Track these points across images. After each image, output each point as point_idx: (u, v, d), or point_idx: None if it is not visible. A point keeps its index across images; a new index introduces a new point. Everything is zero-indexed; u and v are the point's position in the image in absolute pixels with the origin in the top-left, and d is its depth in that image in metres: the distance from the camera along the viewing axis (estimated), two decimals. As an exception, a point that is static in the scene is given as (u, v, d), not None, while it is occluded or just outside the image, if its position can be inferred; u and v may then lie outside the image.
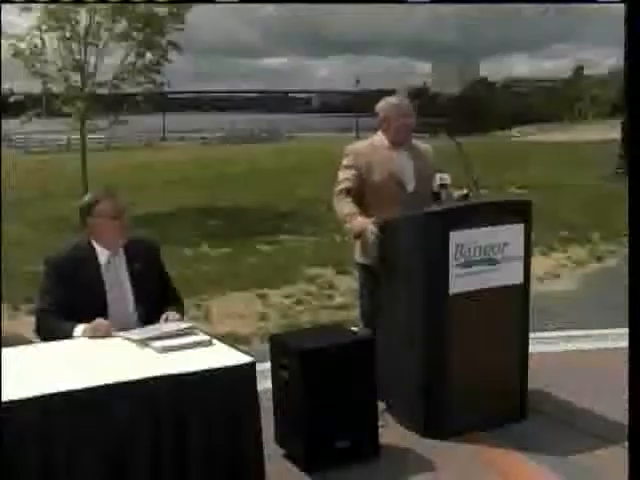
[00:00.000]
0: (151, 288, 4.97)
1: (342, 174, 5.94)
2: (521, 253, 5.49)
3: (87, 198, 5.05)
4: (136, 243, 5.06)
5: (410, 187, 5.87)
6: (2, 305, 8.26)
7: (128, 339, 4.45)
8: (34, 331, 5.01)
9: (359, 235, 5.74)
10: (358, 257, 6.06)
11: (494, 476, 4.92)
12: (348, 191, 5.86)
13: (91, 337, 4.59)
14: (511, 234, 5.44)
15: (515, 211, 5.52)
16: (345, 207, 5.81)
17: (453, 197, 5.66)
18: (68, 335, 4.64)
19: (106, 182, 21.41)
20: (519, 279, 5.52)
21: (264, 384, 4.94)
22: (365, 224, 5.61)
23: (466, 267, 5.28)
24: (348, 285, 10.19)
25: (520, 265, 5.50)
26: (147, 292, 4.94)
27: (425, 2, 18.83)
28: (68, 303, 4.77)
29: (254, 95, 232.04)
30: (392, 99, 6.04)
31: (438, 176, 5.70)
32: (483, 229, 5.32)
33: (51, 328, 4.76)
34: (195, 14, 18.74)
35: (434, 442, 5.34)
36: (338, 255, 12.31)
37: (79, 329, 4.66)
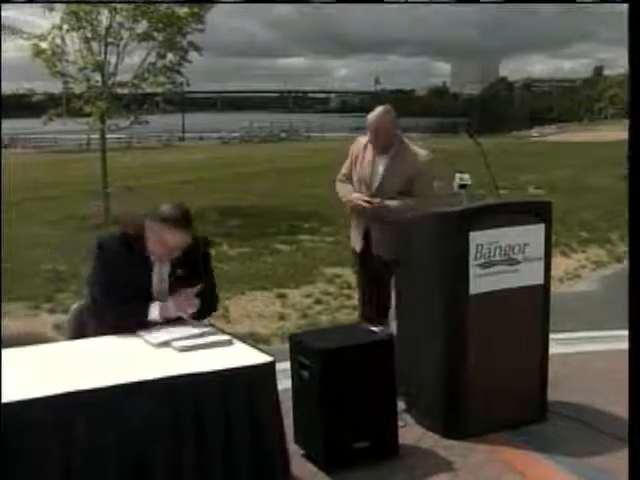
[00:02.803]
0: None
1: (345, 162, 6.73)
2: (541, 253, 5.48)
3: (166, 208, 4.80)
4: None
5: (373, 188, 6.35)
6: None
7: (148, 339, 4.46)
8: (91, 316, 4.87)
9: (354, 206, 6.44)
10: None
11: (513, 477, 4.91)
12: (345, 177, 6.68)
13: (166, 318, 4.66)
14: (531, 234, 5.43)
15: (535, 212, 5.51)
16: (342, 189, 6.66)
17: (473, 197, 5.68)
18: (144, 317, 4.65)
19: (126, 181, 21.53)
20: (540, 279, 5.51)
21: (283, 384, 4.95)
22: (358, 196, 6.37)
23: (486, 267, 5.27)
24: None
25: (541, 265, 5.49)
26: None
27: (424, 2, 18.69)
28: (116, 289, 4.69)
29: (273, 95, 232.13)
30: (376, 110, 6.43)
31: (458, 176, 5.71)
32: (503, 229, 5.31)
33: (125, 312, 4.68)
34: (214, 14, 18.76)
35: (453, 442, 5.34)
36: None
37: (154, 309, 4.68)
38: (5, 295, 10.11)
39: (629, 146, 4.03)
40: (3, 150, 62.45)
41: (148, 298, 4.76)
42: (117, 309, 4.68)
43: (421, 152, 6.38)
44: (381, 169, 6.37)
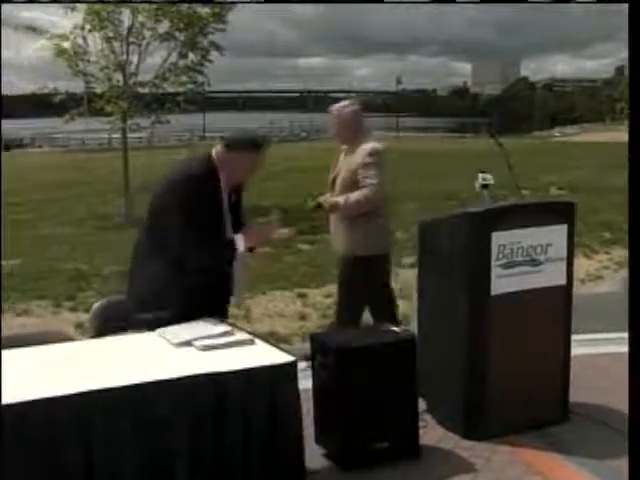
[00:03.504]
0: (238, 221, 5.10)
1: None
2: (564, 254, 5.46)
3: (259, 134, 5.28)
4: None
5: (334, 188, 6.47)
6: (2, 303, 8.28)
7: (168, 338, 4.47)
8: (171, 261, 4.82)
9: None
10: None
11: (534, 478, 4.89)
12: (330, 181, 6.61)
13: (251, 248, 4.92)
14: (554, 235, 5.41)
15: (558, 212, 5.48)
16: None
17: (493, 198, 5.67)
18: (232, 249, 4.82)
19: (147, 180, 21.57)
20: (562, 280, 5.49)
21: (304, 383, 4.95)
22: (322, 198, 6.45)
23: (508, 268, 5.25)
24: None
25: (563, 266, 5.47)
26: (235, 225, 5.05)
27: (426, 2, 18.66)
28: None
29: (293, 95, 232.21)
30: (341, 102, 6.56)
31: (480, 176, 5.69)
32: (526, 230, 5.28)
33: (220, 245, 4.86)
34: (234, 14, 18.81)
35: (474, 443, 5.31)
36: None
37: (240, 240, 4.83)
38: (27, 293, 10.19)
39: (629, 149, 4.01)
40: (22, 149, 62.99)
41: (223, 225, 4.94)
42: (212, 243, 4.80)
43: (369, 144, 6.40)
44: (340, 168, 6.50)
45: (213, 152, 4.94)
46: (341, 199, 6.25)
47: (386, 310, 6.46)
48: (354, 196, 6.19)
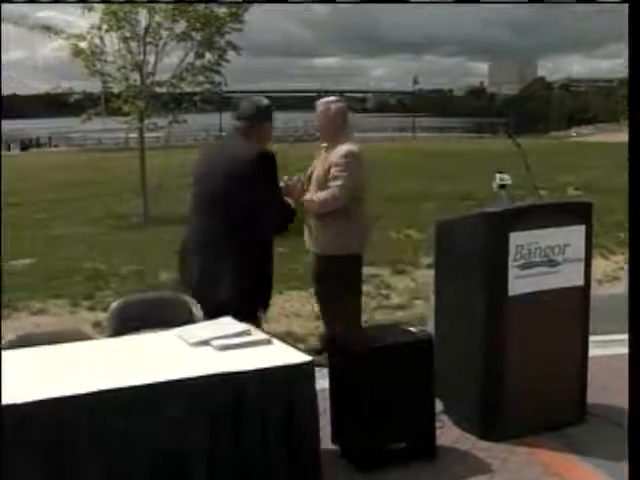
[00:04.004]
0: None
1: None
2: (582, 255, 5.44)
3: (265, 102, 5.55)
4: None
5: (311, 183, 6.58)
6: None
7: (185, 338, 4.47)
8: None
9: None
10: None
11: (550, 479, 4.88)
12: None
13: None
14: (572, 236, 5.39)
15: (576, 212, 5.47)
16: None
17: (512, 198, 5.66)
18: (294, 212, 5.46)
19: (164, 180, 21.63)
20: (580, 281, 5.47)
21: (320, 383, 4.95)
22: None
23: (526, 268, 5.24)
24: (405, 285, 10.20)
25: (581, 267, 5.45)
26: None
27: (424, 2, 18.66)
28: None
29: (309, 95, 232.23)
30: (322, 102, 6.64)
31: (498, 176, 5.69)
32: (543, 230, 5.27)
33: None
34: (250, 14, 18.82)
35: (491, 444, 5.31)
36: (395, 255, 12.30)
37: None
38: (42, 292, 10.22)
39: (629, 149, 3.99)
40: (37, 148, 63.25)
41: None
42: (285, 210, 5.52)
43: (346, 146, 6.47)
44: (316, 165, 6.65)
45: (236, 129, 5.40)
46: (309, 196, 6.29)
47: (353, 317, 6.52)
48: (322, 194, 6.33)
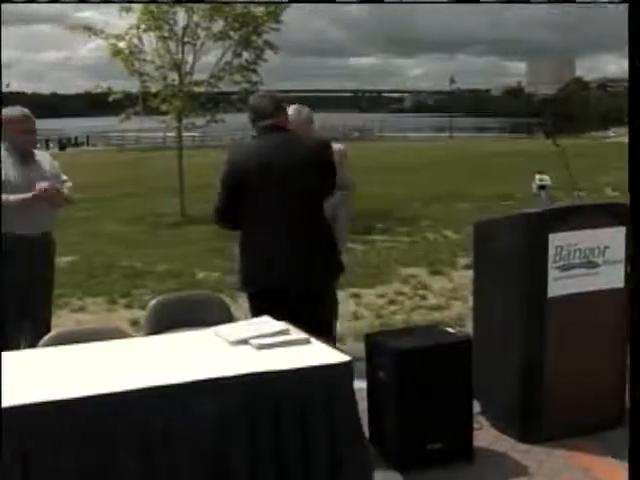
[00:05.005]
0: None
1: None
2: (622, 257, 5.40)
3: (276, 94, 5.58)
4: None
5: None
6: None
7: (224, 336, 4.48)
8: None
9: None
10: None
11: (589, 483, 4.85)
12: None
13: None
14: (612, 237, 5.35)
15: (616, 214, 5.42)
16: None
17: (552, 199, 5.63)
18: None
19: (202, 179, 21.74)
20: (620, 283, 5.42)
21: (357, 384, 4.94)
22: None
23: (565, 270, 5.21)
24: (442, 286, 10.15)
25: (621, 269, 5.40)
26: None
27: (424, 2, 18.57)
28: None
29: (346, 94, 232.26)
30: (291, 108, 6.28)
31: (537, 177, 5.66)
32: (583, 232, 5.24)
33: None
34: (286, 13, 18.87)
35: (529, 446, 5.28)
36: (432, 255, 12.28)
37: None
38: (83, 290, 10.31)
39: (629, 149, 3.95)
40: (75, 147, 63.78)
41: None
42: None
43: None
44: None
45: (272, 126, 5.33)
46: None
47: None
48: None
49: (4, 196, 5.58)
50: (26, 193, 5.65)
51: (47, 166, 5.98)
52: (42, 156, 6.10)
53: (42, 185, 5.66)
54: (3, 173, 5.65)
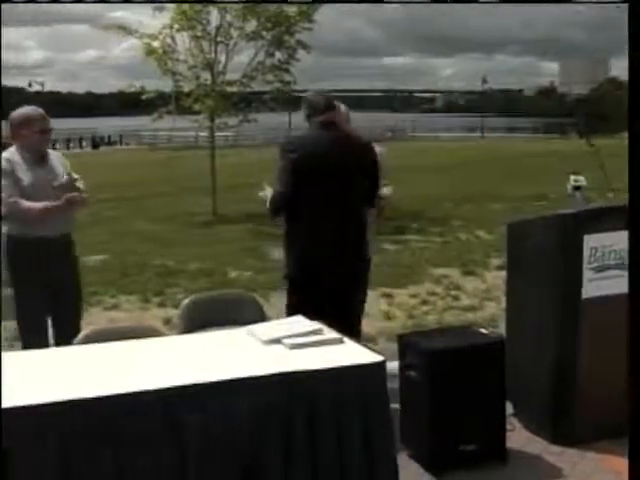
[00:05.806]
0: None
1: None
2: (658, 259, 5.35)
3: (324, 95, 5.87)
4: None
5: None
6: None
7: (257, 335, 4.48)
8: None
9: None
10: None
11: (622, 486, 4.81)
12: None
13: None
14: (647, 239, 5.30)
15: (652, 215, 5.38)
16: None
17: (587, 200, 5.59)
18: None
19: (234, 179, 21.80)
20: (655, 285, 5.37)
21: (389, 384, 4.93)
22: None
23: (600, 271, 5.17)
24: (475, 286, 10.12)
25: (657, 271, 5.36)
26: None
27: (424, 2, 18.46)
28: None
29: (378, 94, 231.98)
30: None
31: (572, 178, 5.62)
32: (618, 233, 5.19)
33: None
34: (319, 13, 18.85)
35: (561, 448, 5.25)
36: (465, 255, 12.24)
37: None
38: (116, 289, 10.37)
39: (629, 150, 3.91)
40: (108, 146, 64.16)
41: None
42: None
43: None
44: None
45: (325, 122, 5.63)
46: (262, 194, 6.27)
47: None
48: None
49: (27, 203, 5.57)
50: (42, 194, 5.60)
51: (61, 167, 5.94)
52: (55, 156, 6.07)
53: (67, 196, 5.64)
54: (19, 178, 5.61)
